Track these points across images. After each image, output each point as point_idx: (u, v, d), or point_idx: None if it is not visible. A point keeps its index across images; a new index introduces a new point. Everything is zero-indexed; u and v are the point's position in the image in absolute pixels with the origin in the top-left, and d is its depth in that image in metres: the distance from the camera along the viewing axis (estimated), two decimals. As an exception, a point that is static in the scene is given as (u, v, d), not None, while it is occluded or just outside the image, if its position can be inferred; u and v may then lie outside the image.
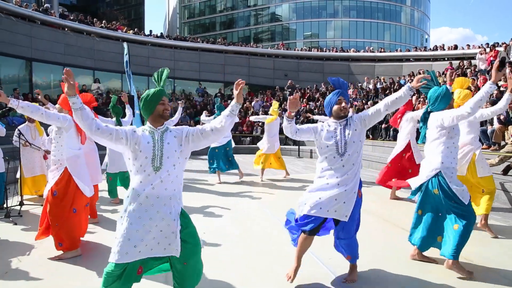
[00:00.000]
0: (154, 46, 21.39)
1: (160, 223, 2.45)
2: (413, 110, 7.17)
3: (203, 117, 8.71)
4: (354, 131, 3.06)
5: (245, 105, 18.47)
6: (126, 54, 10.38)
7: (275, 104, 8.66)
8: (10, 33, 15.66)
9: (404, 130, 6.27)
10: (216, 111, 8.13)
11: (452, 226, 3.34)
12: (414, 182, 3.66)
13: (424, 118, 3.73)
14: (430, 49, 22.79)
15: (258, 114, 17.63)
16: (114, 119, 6.21)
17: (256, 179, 8.78)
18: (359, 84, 19.67)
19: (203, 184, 8.23)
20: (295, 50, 26.63)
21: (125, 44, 10.99)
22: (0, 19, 15.34)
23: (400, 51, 24.62)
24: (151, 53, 21.00)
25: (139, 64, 19.18)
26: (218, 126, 2.58)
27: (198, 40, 25.79)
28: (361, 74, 21.93)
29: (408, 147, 6.26)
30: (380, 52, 24.29)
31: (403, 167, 6.28)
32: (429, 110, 3.69)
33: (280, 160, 8.75)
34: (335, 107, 3.12)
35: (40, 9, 17.99)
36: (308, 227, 3.05)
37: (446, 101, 3.57)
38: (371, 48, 25.98)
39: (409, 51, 24.01)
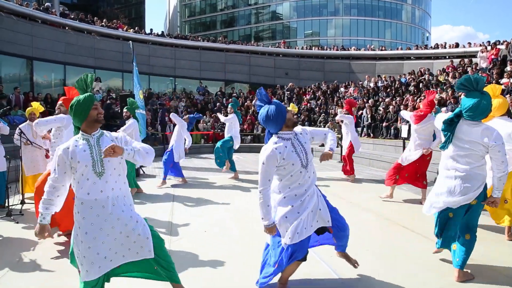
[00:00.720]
0: (155, 45, 21.38)
1: (117, 223, 2.49)
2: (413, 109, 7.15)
3: (222, 118, 8.77)
4: (307, 140, 2.95)
5: (245, 103, 18.47)
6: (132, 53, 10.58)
7: (294, 108, 8.77)
8: (11, 32, 15.65)
9: (425, 133, 5.91)
10: (231, 109, 8.55)
11: (464, 236, 3.28)
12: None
13: (451, 123, 3.22)
14: (431, 47, 22.77)
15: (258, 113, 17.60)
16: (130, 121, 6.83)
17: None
18: (360, 83, 19.65)
19: (204, 182, 8.24)
20: (296, 48, 26.62)
21: (130, 43, 11.14)
22: (1, 18, 15.33)
23: (401, 49, 24.62)
24: (152, 52, 20.99)
25: (140, 62, 19.06)
26: (141, 155, 2.57)
27: (199, 38, 25.79)
28: (362, 73, 21.91)
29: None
30: (381, 50, 24.26)
31: (415, 170, 6.13)
32: (463, 115, 3.20)
33: None
34: (289, 115, 2.90)
35: (41, 8, 17.98)
36: (301, 254, 2.85)
37: (487, 113, 3.18)
38: (372, 47, 25.97)
39: (410, 49, 23.96)
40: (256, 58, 23.51)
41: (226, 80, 22.89)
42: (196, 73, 22.03)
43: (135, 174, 7.08)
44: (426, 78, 16.08)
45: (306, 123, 16.05)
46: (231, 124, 8.49)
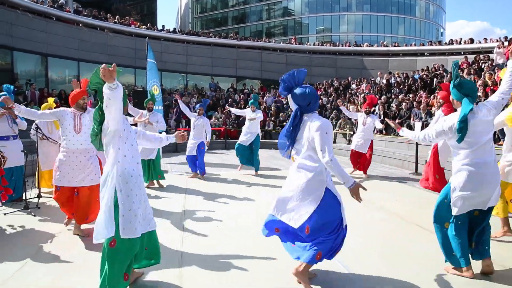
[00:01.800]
0: (167, 41, 21.49)
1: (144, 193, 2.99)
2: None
3: (249, 114, 8.64)
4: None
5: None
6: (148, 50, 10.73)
7: None
8: (27, 29, 15.91)
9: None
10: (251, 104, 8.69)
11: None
12: None
13: None
14: (446, 43, 22.41)
15: (270, 109, 17.64)
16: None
17: (275, 173, 8.89)
18: (372, 79, 19.47)
19: (216, 177, 8.25)
20: (307, 44, 26.47)
21: (147, 40, 11.36)
22: (17, 15, 15.58)
23: (415, 45, 24.32)
24: (164, 48, 21.10)
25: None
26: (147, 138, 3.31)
27: (211, 35, 25.83)
28: (374, 69, 21.71)
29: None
30: (394, 46, 23.99)
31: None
32: None
33: None
34: None
35: (56, 5, 18.21)
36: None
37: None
38: (385, 43, 25.68)
39: (423, 45, 23.63)
40: (268, 54, 23.47)
41: (237, 76, 22.91)
42: (208, 69, 22.10)
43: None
44: (440, 74, 15.86)
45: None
46: (258, 120, 8.52)
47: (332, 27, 50.04)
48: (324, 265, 3.42)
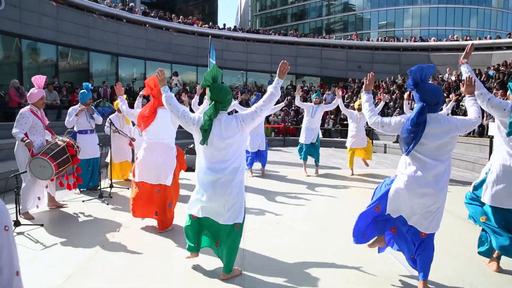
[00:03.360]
0: (227, 39, 21.93)
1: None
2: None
3: (301, 104, 8.37)
4: None
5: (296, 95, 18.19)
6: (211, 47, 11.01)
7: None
8: (101, 31, 17.14)
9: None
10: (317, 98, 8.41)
11: None
12: None
13: None
14: (527, 35, 20.43)
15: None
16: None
17: (335, 172, 8.76)
18: (440, 76, 18.31)
19: (275, 175, 8.25)
20: (369, 40, 25.57)
21: (210, 38, 11.63)
22: (93, 19, 16.84)
23: (490, 38, 22.39)
24: (224, 46, 21.55)
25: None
26: (264, 98, 3.10)
27: (270, 32, 25.92)
28: (442, 65, 20.38)
29: None
30: (466, 40, 22.33)
31: None
32: None
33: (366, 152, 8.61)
34: None
35: (126, 8, 19.40)
36: None
37: None
38: (455, 37, 23.97)
39: (500, 38, 21.74)
40: (328, 51, 23.02)
41: (297, 74, 22.76)
42: (267, 67, 22.20)
43: None
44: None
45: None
46: (322, 111, 8.40)
47: (396, 22, 47.81)
48: (389, 269, 3.29)
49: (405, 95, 8.08)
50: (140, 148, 4.55)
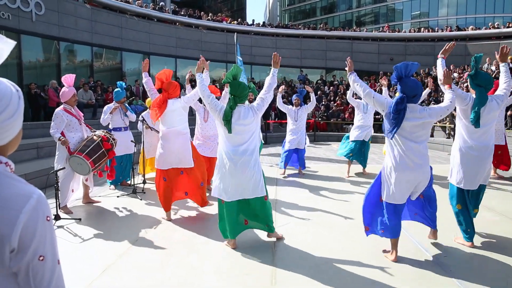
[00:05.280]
0: (256, 35, 21.91)
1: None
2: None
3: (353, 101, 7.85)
4: None
5: (347, 91, 17.86)
6: (237, 44, 11.06)
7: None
8: (134, 31, 17.59)
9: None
10: None
11: None
12: None
13: None
14: None
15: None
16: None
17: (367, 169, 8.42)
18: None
19: (306, 172, 8.16)
20: (402, 32, 24.77)
21: (235, 35, 11.66)
22: (126, 19, 17.30)
23: (534, 24, 21.11)
24: (254, 42, 21.55)
25: (243, 53, 19.75)
26: (265, 87, 3.82)
27: (299, 26, 25.65)
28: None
29: None
30: (508, 27, 21.15)
31: None
32: None
33: None
34: None
35: (157, 8, 19.79)
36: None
37: None
38: (496, 24, 22.77)
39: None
40: (358, 44, 22.52)
41: (326, 68, 22.44)
42: (297, 61, 22.01)
43: None
44: None
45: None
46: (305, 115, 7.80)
47: (430, 11, 45.96)
48: (405, 248, 3.19)
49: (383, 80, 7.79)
50: (149, 145, 5.14)
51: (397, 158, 3.25)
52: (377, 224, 3.47)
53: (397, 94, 3.32)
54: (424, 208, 3.61)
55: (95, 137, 5.03)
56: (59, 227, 4.36)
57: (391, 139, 3.27)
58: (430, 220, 3.63)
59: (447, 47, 3.83)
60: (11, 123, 1.02)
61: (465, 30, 22.42)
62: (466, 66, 18.02)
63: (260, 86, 19.04)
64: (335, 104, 16.38)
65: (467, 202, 3.74)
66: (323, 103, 16.47)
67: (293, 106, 7.62)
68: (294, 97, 7.72)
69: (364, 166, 7.70)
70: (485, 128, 3.63)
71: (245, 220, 3.84)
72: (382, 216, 3.43)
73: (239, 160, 3.54)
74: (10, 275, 0.97)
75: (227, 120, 3.48)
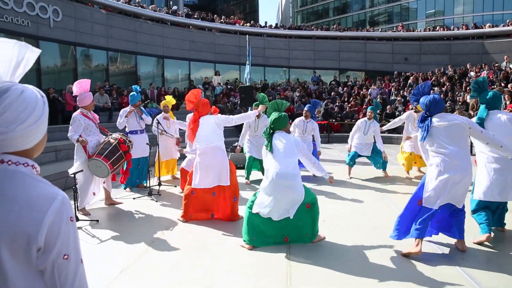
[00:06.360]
0: (269, 37, 21.95)
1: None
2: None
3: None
4: None
5: (361, 92, 17.72)
6: (249, 46, 11.17)
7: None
8: (148, 35, 17.85)
9: None
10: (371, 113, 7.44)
11: None
12: None
13: None
14: None
15: (376, 98, 16.81)
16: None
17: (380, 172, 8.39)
18: (496, 65, 17.15)
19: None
20: (416, 31, 24.47)
21: (247, 37, 11.77)
22: (140, 24, 17.57)
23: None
24: (266, 44, 21.60)
25: (256, 55, 19.88)
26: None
27: (312, 28, 25.59)
28: (499, 53, 19.08)
29: None
30: (526, 24, 20.67)
31: None
32: None
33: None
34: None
35: (170, 11, 20.02)
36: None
37: None
38: (512, 22, 22.25)
39: None
40: (372, 44, 22.34)
41: (340, 69, 22.34)
42: (310, 63, 21.97)
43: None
44: None
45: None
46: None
47: (445, 10, 45.19)
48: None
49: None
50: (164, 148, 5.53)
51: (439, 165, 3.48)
52: (406, 229, 3.63)
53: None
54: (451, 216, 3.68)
55: (112, 140, 5.13)
56: (77, 228, 4.45)
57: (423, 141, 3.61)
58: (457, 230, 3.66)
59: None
60: (36, 128, 1.06)
61: (482, 28, 21.99)
62: (483, 64, 17.69)
63: (273, 87, 19.07)
64: (349, 105, 16.26)
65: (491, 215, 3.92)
66: (337, 104, 16.37)
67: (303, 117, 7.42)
68: (305, 108, 7.54)
69: (384, 169, 7.58)
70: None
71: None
72: (415, 222, 3.53)
73: (283, 185, 3.70)
74: (37, 273, 1.02)
75: (267, 146, 3.89)
